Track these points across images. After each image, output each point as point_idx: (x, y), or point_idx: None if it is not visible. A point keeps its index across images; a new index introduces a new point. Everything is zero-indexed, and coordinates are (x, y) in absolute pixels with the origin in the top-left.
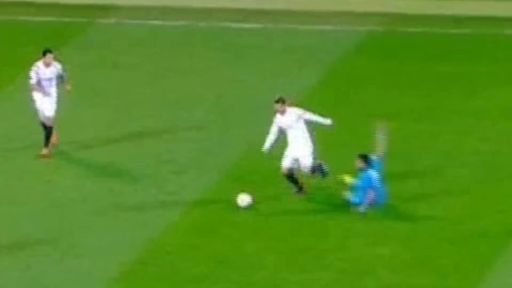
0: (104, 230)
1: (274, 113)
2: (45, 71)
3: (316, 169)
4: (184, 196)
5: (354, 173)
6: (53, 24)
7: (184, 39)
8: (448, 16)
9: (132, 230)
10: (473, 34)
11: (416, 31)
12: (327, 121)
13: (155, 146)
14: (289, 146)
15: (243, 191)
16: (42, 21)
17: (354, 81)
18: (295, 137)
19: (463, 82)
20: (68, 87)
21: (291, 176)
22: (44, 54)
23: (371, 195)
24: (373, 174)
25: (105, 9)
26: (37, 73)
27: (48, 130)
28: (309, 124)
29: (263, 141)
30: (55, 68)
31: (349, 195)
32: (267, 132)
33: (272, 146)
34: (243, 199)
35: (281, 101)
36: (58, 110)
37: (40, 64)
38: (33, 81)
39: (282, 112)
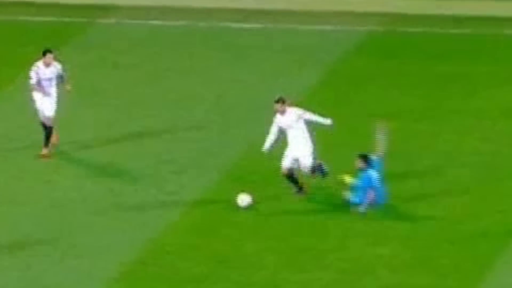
0: (104, 230)
1: (274, 113)
2: (45, 71)
3: (316, 169)
4: (184, 196)
5: (354, 173)
6: (53, 24)
7: (184, 39)
8: (448, 16)
9: (132, 230)
10: (473, 34)
11: (416, 31)
12: (327, 121)
13: (155, 146)
14: (289, 146)
15: (243, 191)
16: (42, 21)
17: (354, 81)
18: (295, 137)
19: (463, 82)
20: (68, 87)
21: (291, 176)
22: (44, 54)
23: (371, 195)
24: (373, 174)
25: (105, 9)
26: (37, 73)
27: (48, 130)
28: (309, 124)
29: (263, 141)
30: (55, 68)
31: (349, 195)
32: (267, 132)
33: (272, 146)
34: (243, 199)
35: (281, 101)
36: (58, 110)
37: (40, 64)
38: (33, 81)
39: (282, 112)
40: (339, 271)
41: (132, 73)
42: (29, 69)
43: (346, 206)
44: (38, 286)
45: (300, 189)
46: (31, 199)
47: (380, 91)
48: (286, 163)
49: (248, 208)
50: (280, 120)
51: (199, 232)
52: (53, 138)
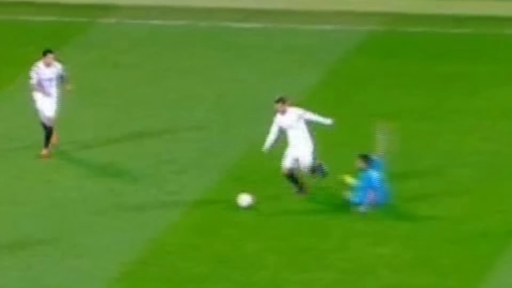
0: (105, 230)
1: (274, 113)
2: (45, 71)
3: (316, 169)
4: (184, 196)
5: (355, 173)
6: (54, 23)
7: (184, 39)
8: (449, 16)
9: (133, 230)
10: (474, 34)
11: (416, 31)
12: (328, 121)
13: (156, 146)
14: (289, 146)
15: (243, 191)
16: (42, 20)
17: (354, 81)
18: (296, 137)
19: (463, 82)
20: (69, 87)
21: (292, 176)
22: (44, 54)
23: (371, 195)
24: (374, 174)
25: (106, 9)
26: (37, 73)
27: (48, 131)
28: (309, 124)
29: (263, 141)
30: (56, 68)
31: (349, 195)
32: (267, 132)
33: (272, 145)
34: (244, 199)
35: (281, 101)
36: (59, 110)
37: (40, 64)
38: (33, 81)
39: (283, 112)
40: (340, 271)
41: (132, 73)
42: (29, 69)
43: (346, 206)
44: (38, 286)
45: (301, 189)
46: (31, 199)
47: (381, 91)
48: (286, 163)
49: (249, 208)
50: (280, 120)
51: (199, 232)
52: (53, 138)
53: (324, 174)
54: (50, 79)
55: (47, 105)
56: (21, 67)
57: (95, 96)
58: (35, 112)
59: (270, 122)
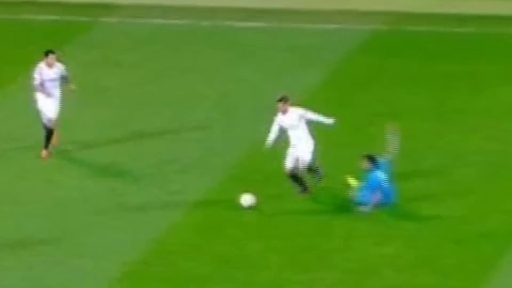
0: (107, 230)
1: (276, 112)
2: (48, 72)
3: (314, 170)
4: (186, 195)
5: (357, 173)
6: (56, 22)
7: (186, 38)
8: (452, 15)
9: (135, 230)
10: (477, 33)
11: (419, 30)
12: (329, 121)
13: (158, 146)
14: (291, 145)
15: (246, 191)
16: (44, 19)
17: (357, 80)
18: (296, 137)
19: (467, 81)
20: (73, 86)
21: (295, 176)
22: (46, 54)
23: (377, 196)
24: (380, 175)
25: (108, 8)
26: (40, 74)
27: (48, 132)
28: (310, 124)
29: (266, 140)
30: (58, 69)
31: (354, 195)
32: (269, 132)
33: (273, 144)
34: (246, 199)
35: (283, 100)
36: (61, 110)
37: (42, 65)
38: (36, 82)
39: (284, 112)
40: (343, 271)
41: (134, 72)
42: (31, 68)
43: (350, 206)
44: (40, 286)
45: (304, 189)
46: (33, 198)
47: (384, 90)
48: (289, 163)
49: (251, 208)
50: (281, 120)
51: (201, 232)
52: (53, 139)
53: (320, 177)
54: (52, 80)
55: (48, 106)
56: (23, 66)
57: (97, 96)
58: (37, 112)
59: (272, 122)
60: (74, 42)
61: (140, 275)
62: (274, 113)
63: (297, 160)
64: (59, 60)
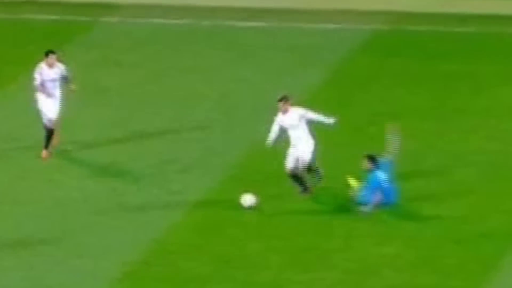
0: (107, 230)
1: (277, 111)
2: (48, 72)
3: (313, 170)
4: (187, 195)
5: (358, 173)
6: (56, 22)
7: (187, 38)
8: (453, 15)
9: (135, 230)
10: (478, 33)
11: (420, 29)
12: (330, 120)
13: (158, 146)
14: (291, 145)
15: (246, 191)
16: (45, 19)
17: (358, 80)
18: (297, 137)
19: (468, 81)
20: (73, 86)
21: (296, 176)
22: (46, 55)
23: (378, 196)
24: (381, 175)
25: (108, 8)
26: (40, 74)
27: (49, 132)
28: (311, 123)
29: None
30: (59, 69)
31: (355, 195)
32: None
33: (273, 144)
34: (247, 199)
35: (284, 99)
36: (61, 110)
37: (43, 65)
38: (37, 82)
39: (285, 111)
40: (344, 271)
41: (134, 72)
42: (31, 67)
43: (351, 206)
44: (40, 286)
45: (305, 188)
46: (33, 198)
47: (385, 90)
48: (289, 163)
49: (252, 208)
50: (281, 119)
51: (202, 232)
52: (53, 139)
53: (319, 178)
54: (53, 80)
55: (49, 107)
56: (23, 66)
57: (97, 95)
58: (37, 112)
59: (272, 122)
60: (74, 42)
61: (140, 275)
62: (274, 113)
63: (297, 160)
64: (59, 60)
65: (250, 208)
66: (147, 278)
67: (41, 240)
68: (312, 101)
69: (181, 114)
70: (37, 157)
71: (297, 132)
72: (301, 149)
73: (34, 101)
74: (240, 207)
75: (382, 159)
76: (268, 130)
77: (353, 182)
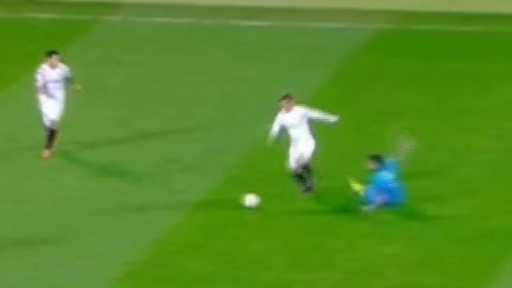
0: (109, 230)
1: (279, 110)
2: (51, 73)
3: (312, 170)
4: (189, 195)
5: (361, 171)
6: (57, 21)
7: (189, 37)
8: (457, 14)
9: (137, 230)
10: (483, 32)
11: (424, 28)
12: (332, 119)
13: (160, 145)
14: (293, 145)
15: (249, 190)
16: (46, 18)
17: (362, 79)
18: (298, 136)
19: (472, 80)
20: (78, 87)
21: (298, 175)
22: (49, 55)
23: (382, 196)
24: (387, 175)
25: (110, 7)
26: (43, 75)
27: (50, 132)
28: (313, 122)
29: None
30: (62, 70)
31: (358, 197)
32: None
33: (275, 141)
34: (250, 199)
35: (288, 97)
36: (62, 110)
37: (45, 66)
38: (39, 83)
39: (288, 110)
40: (347, 271)
41: (137, 71)
42: (33, 67)
43: (354, 205)
44: (42, 286)
45: (308, 188)
46: (35, 198)
47: (388, 89)
48: (291, 162)
49: (255, 208)
50: (283, 118)
51: (204, 231)
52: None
53: (318, 178)
54: (55, 81)
55: (51, 108)
56: (25, 65)
57: (99, 95)
58: (38, 112)
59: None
60: (76, 41)
61: (142, 275)
62: (277, 112)
63: (298, 159)
64: (62, 61)
65: (252, 208)
66: (148, 278)
67: (43, 240)
68: (315, 100)
69: (183, 113)
70: (38, 157)
71: (297, 131)
72: (301, 148)
73: (35, 102)
74: (243, 207)
75: (388, 159)
76: (270, 130)
77: (356, 186)
